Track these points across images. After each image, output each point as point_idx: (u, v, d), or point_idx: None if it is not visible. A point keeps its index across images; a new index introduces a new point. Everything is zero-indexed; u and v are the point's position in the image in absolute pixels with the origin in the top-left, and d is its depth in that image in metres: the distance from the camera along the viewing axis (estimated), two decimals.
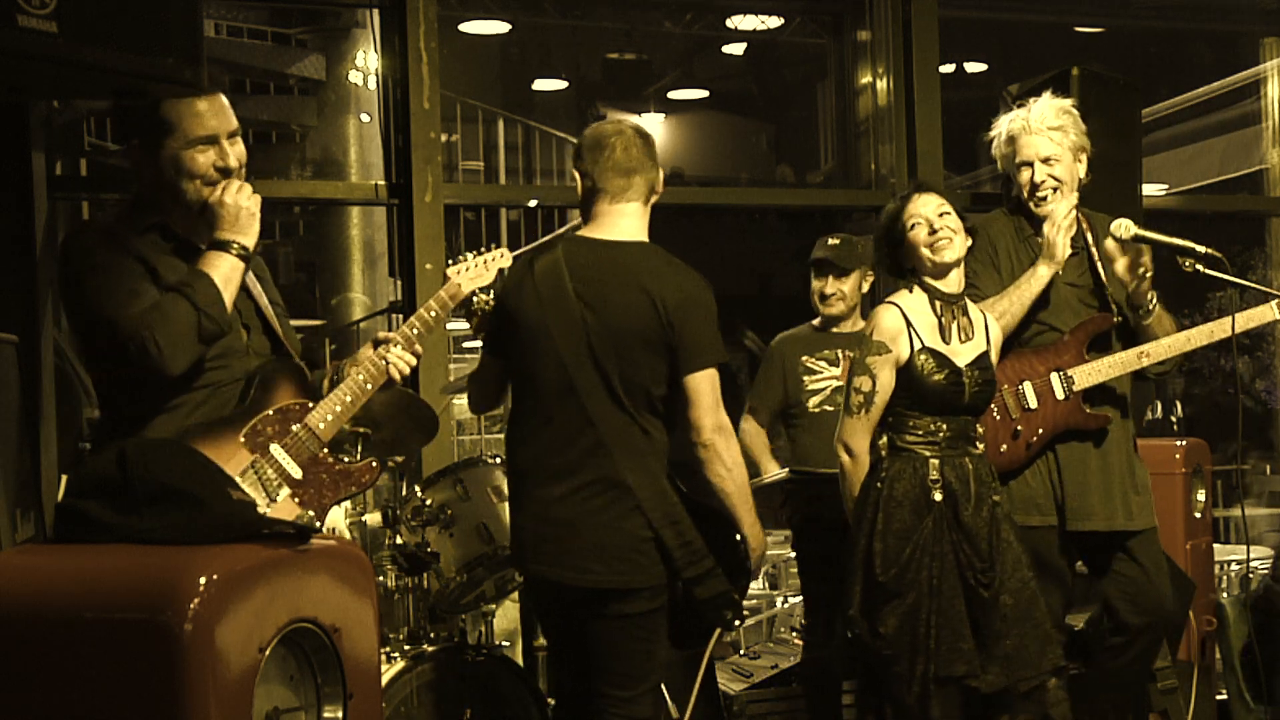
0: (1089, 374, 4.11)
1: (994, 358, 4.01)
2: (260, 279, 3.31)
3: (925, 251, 3.91)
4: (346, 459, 3.26)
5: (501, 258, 3.64)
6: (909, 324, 3.89)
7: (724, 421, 3.56)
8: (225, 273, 3.03)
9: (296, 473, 3.11)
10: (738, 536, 3.63)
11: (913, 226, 3.91)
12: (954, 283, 3.94)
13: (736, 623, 3.62)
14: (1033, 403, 4.09)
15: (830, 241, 5.11)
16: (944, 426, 3.87)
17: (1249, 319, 4.18)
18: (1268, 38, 8.01)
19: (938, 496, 3.82)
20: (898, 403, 3.90)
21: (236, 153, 3.08)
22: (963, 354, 3.92)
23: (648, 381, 3.54)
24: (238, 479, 2.95)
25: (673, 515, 3.53)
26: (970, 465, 3.88)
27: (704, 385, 3.54)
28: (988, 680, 3.81)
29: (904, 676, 3.80)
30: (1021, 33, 9.13)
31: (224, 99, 3.07)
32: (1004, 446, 4.09)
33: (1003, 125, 4.23)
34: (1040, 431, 4.08)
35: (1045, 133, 4.14)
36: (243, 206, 3.07)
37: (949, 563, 3.81)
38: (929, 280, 3.93)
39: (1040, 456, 4.11)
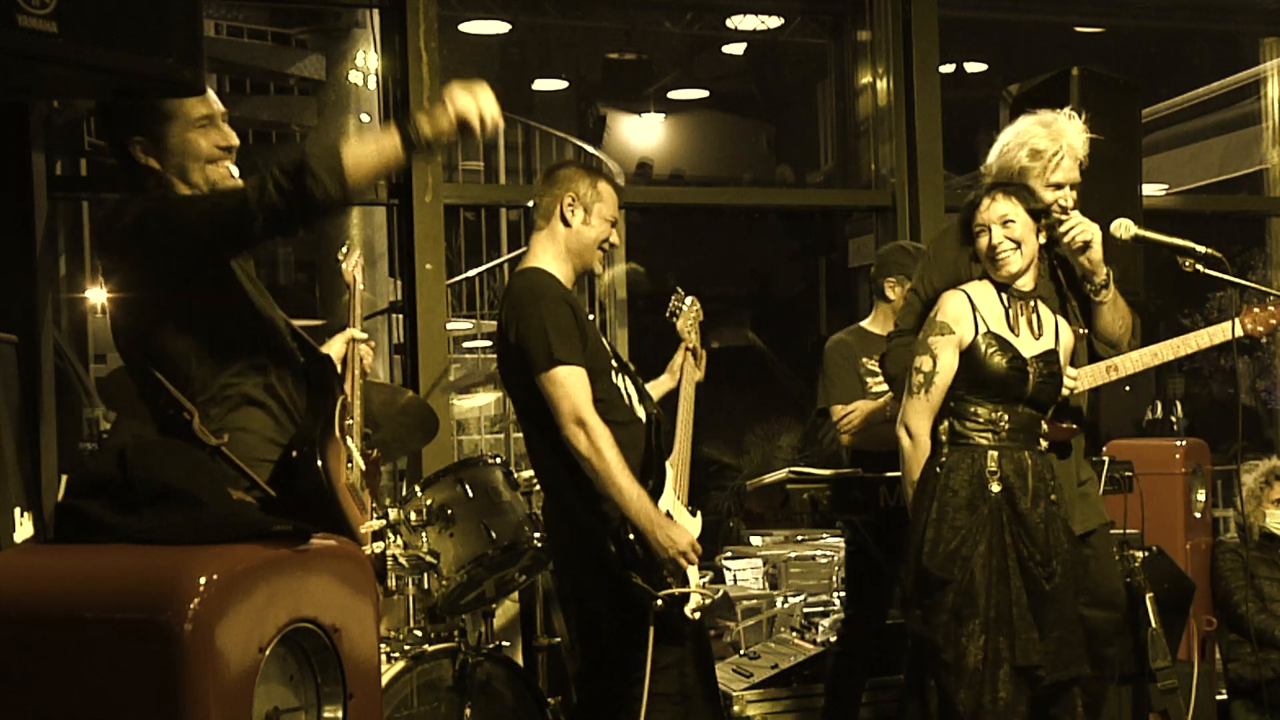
0: None
1: (1064, 361, 3.98)
2: None
3: (987, 263, 3.92)
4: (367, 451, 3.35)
5: (360, 259, 3.95)
6: (974, 308, 3.90)
7: (581, 415, 3.64)
8: (377, 155, 2.89)
9: (362, 464, 3.20)
10: (629, 535, 3.67)
11: (979, 233, 3.91)
12: (1025, 281, 3.93)
13: (659, 603, 3.64)
14: None
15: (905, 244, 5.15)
16: (1005, 417, 3.86)
17: (1210, 336, 4.17)
18: (1268, 38, 8.01)
19: (995, 488, 3.81)
20: (960, 388, 3.88)
21: (233, 134, 3.06)
22: (1029, 346, 3.90)
23: (530, 396, 3.75)
24: (347, 471, 3.04)
25: (574, 522, 3.78)
26: (1030, 461, 3.86)
27: (546, 388, 3.68)
28: (1049, 676, 3.82)
29: (951, 666, 3.79)
30: (1021, 33, 9.13)
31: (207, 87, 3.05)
32: None
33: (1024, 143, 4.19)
34: None
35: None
36: (474, 110, 2.90)
37: (1011, 555, 3.80)
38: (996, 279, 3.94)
39: None
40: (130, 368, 3.01)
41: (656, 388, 4.18)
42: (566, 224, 3.86)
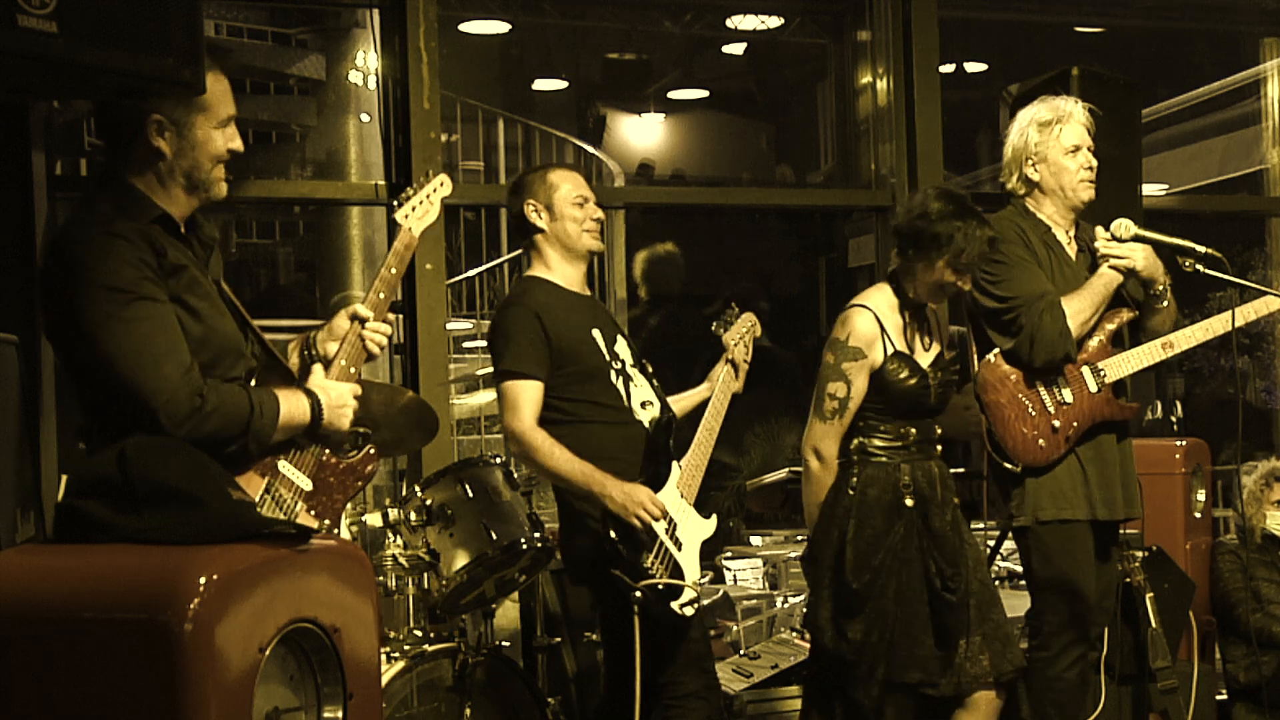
0: (1119, 366, 4.19)
1: (946, 356, 4.05)
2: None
3: (949, 278, 3.88)
4: (349, 453, 3.14)
5: (442, 185, 3.49)
6: (882, 328, 3.90)
7: (511, 427, 3.89)
8: (293, 420, 2.91)
9: (307, 484, 3.01)
10: (610, 532, 3.80)
11: (960, 254, 3.83)
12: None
13: (638, 594, 3.75)
14: (1068, 396, 4.12)
15: None
16: (912, 431, 3.90)
17: (1255, 310, 4.27)
18: (1268, 38, 8.01)
19: (909, 502, 3.84)
20: (868, 407, 3.90)
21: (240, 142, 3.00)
22: (924, 356, 3.96)
23: None
24: (288, 491, 2.91)
25: (573, 521, 3.97)
26: (936, 469, 3.92)
27: (500, 392, 3.95)
28: (946, 685, 3.85)
29: (863, 680, 3.83)
30: (1021, 33, 9.11)
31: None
32: (1042, 441, 4.12)
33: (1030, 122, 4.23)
34: (1076, 424, 4.13)
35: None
36: (351, 402, 3.02)
37: (916, 569, 3.84)
38: (908, 287, 3.92)
39: (1075, 449, 4.14)
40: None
41: (694, 395, 4.24)
42: (539, 230, 4.03)
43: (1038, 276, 4.13)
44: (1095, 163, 4.21)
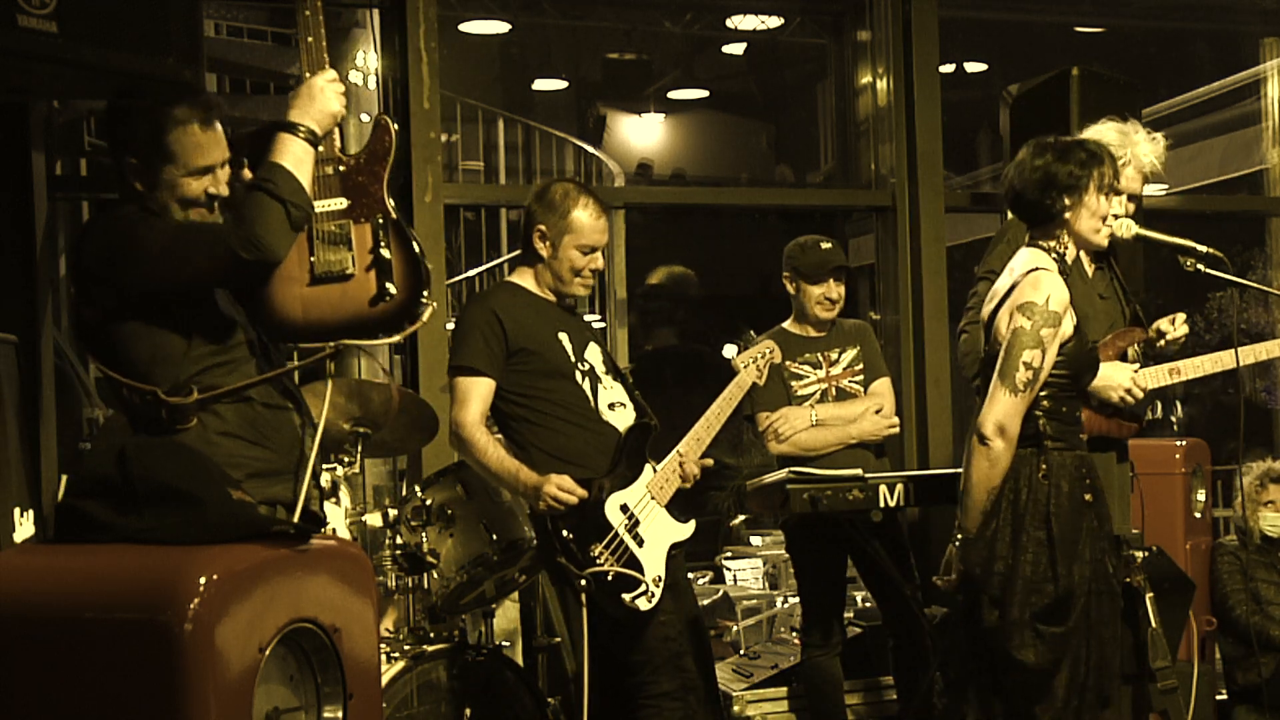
0: None
1: None
2: None
3: (1093, 233, 3.60)
4: (365, 149, 3.22)
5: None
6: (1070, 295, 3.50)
7: (456, 418, 3.95)
8: (297, 156, 3.01)
9: (341, 203, 3.12)
10: (562, 530, 3.85)
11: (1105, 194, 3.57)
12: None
13: (584, 582, 3.80)
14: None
15: (828, 246, 5.08)
16: (1083, 414, 3.61)
17: (1267, 351, 4.30)
18: (1268, 38, 8.01)
19: (1089, 498, 3.48)
20: (1053, 383, 3.47)
21: (226, 179, 3.08)
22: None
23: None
24: (312, 260, 3.03)
25: (538, 522, 3.98)
26: (1092, 460, 3.59)
27: (451, 386, 4.02)
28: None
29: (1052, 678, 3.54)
30: (1021, 33, 9.11)
31: (220, 126, 3.04)
32: None
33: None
34: None
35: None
36: (319, 87, 3.10)
37: (1102, 576, 3.50)
38: (1063, 254, 3.58)
39: None
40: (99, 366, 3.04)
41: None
42: (539, 256, 4.04)
43: None
44: (1124, 210, 4.11)
